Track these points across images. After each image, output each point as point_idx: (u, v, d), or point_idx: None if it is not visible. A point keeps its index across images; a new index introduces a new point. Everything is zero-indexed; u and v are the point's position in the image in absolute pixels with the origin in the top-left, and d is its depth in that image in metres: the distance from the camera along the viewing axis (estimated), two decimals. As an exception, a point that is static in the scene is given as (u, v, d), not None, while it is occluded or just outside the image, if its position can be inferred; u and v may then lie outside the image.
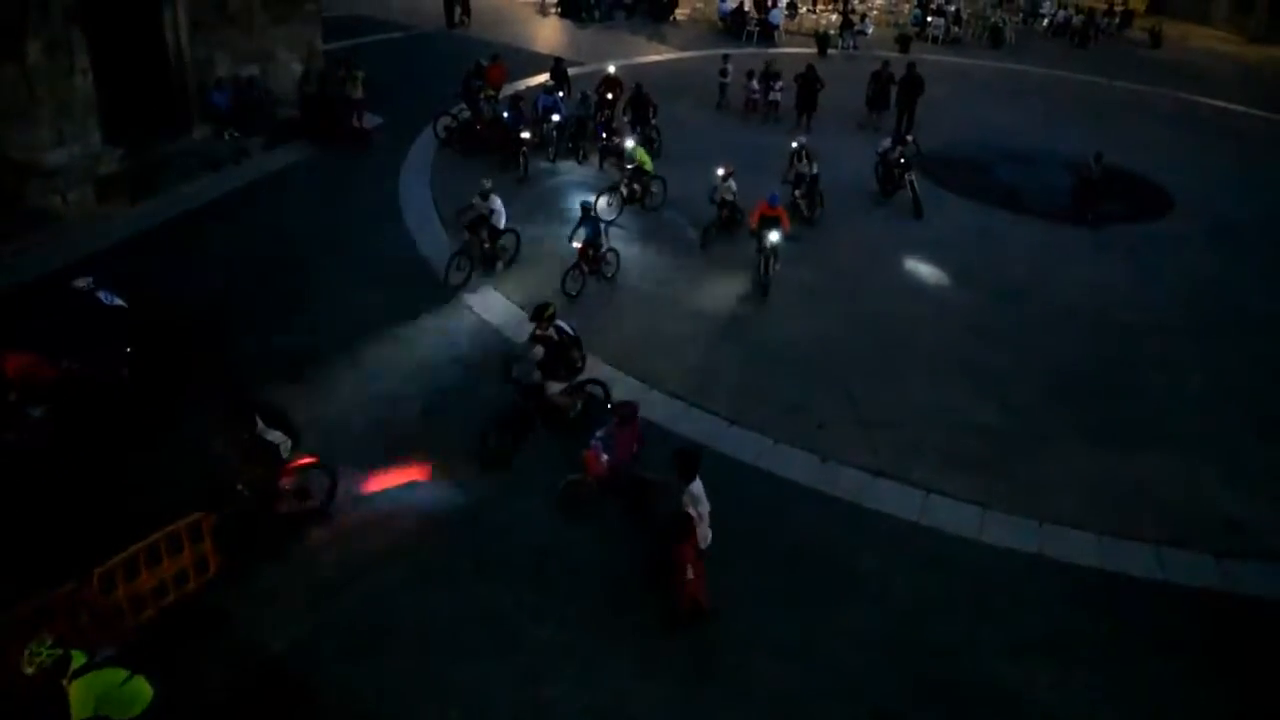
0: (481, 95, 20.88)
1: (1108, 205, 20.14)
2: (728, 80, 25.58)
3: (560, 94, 21.77)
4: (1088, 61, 35.17)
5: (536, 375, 11.20)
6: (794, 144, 19.33)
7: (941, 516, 11.04)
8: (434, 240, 16.28)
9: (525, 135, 19.17)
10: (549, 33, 32.46)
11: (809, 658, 9.08)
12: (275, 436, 9.47)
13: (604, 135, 20.47)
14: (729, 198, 16.95)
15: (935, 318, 15.36)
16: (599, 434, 10.18)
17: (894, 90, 24.17)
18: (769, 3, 34.95)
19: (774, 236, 15.41)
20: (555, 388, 11.38)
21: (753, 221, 15.77)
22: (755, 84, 24.89)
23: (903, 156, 19.86)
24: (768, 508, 10.96)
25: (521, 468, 11.01)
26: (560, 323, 11.87)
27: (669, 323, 14.56)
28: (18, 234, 14.64)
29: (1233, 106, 30.56)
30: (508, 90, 22.63)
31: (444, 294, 14.52)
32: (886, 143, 20.42)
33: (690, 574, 8.64)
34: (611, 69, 23.01)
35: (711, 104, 25.42)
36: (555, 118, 20.55)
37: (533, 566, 9.74)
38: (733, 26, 34.27)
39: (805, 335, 14.51)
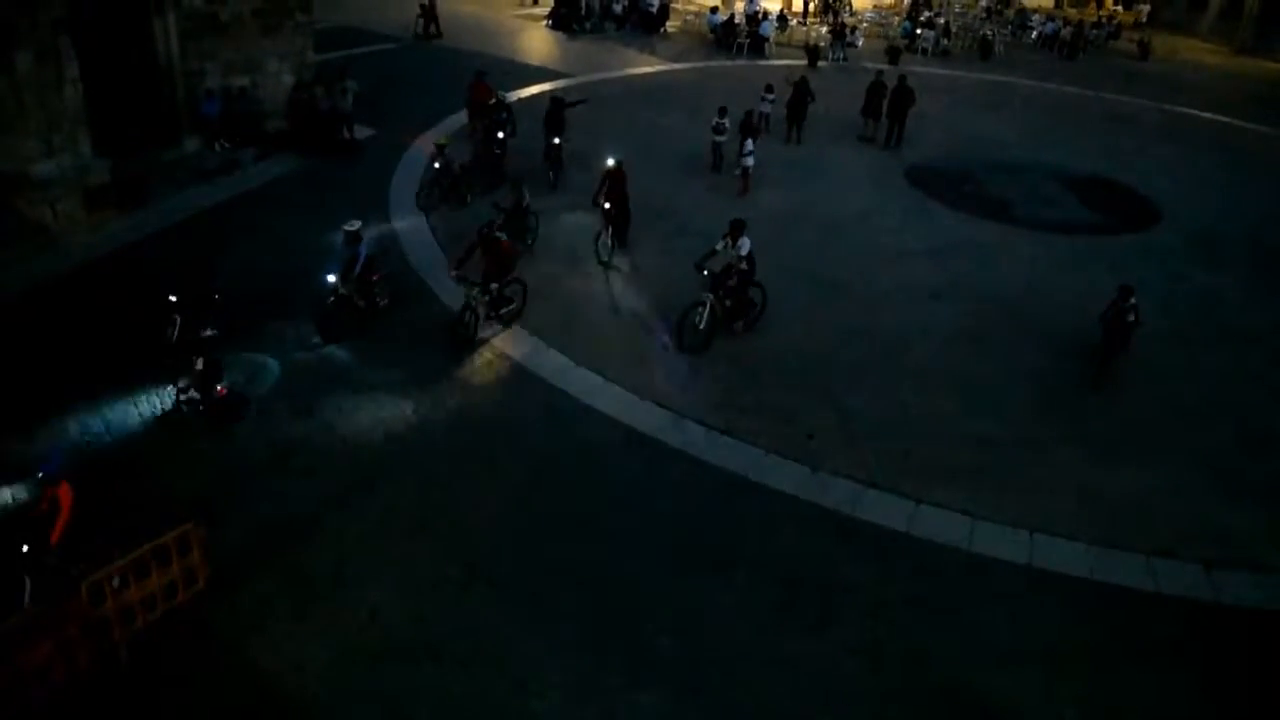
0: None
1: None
2: (724, 139, 20.64)
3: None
4: (1076, 73, 35.38)
5: None
6: None
7: (931, 527, 11.05)
8: (424, 253, 16.26)
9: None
10: (539, 45, 32.50)
11: (799, 669, 9.07)
12: None
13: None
14: None
15: (924, 328, 15.37)
16: None
17: (885, 100, 24.33)
18: (759, 15, 35.10)
19: None
20: None
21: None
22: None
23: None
24: (757, 518, 10.95)
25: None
26: None
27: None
28: (6, 245, 14.57)
29: (1220, 118, 30.75)
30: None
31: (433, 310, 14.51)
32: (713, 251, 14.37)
33: None
34: (611, 161, 16.45)
35: (699, 122, 22.05)
36: (330, 279, 13.37)
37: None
38: (723, 39, 34.39)
39: (794, 346, 14.53)
